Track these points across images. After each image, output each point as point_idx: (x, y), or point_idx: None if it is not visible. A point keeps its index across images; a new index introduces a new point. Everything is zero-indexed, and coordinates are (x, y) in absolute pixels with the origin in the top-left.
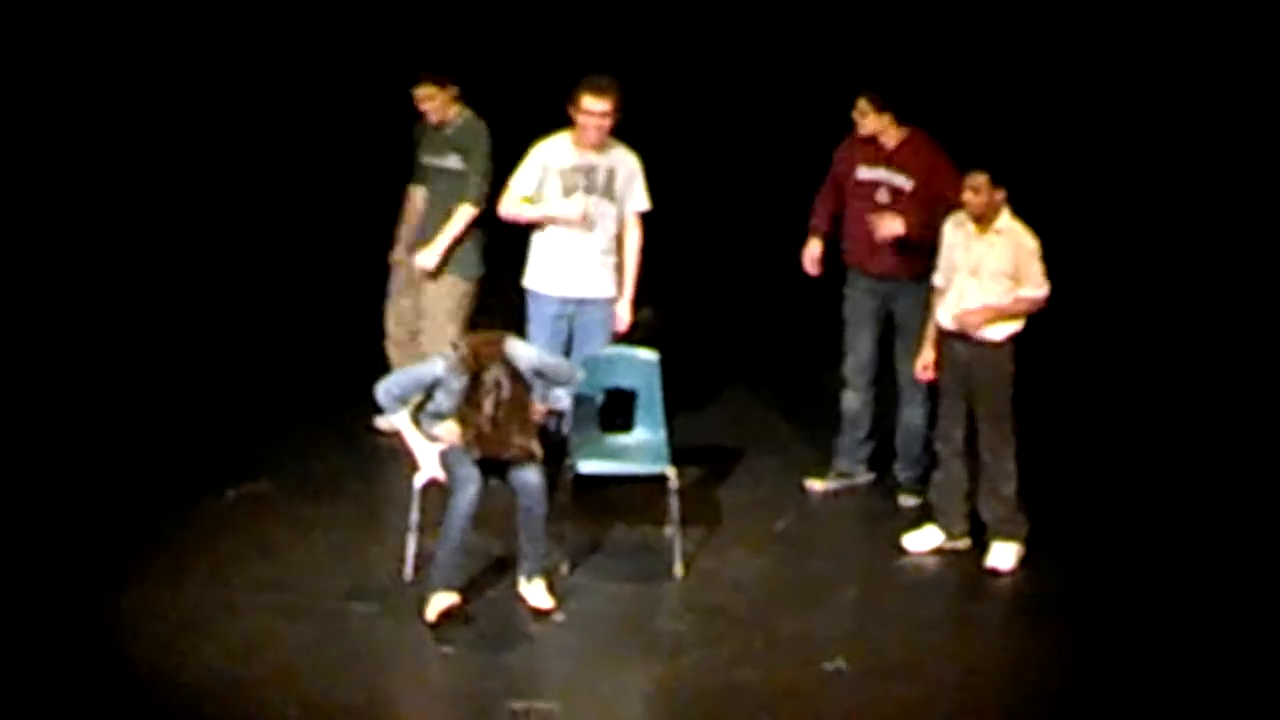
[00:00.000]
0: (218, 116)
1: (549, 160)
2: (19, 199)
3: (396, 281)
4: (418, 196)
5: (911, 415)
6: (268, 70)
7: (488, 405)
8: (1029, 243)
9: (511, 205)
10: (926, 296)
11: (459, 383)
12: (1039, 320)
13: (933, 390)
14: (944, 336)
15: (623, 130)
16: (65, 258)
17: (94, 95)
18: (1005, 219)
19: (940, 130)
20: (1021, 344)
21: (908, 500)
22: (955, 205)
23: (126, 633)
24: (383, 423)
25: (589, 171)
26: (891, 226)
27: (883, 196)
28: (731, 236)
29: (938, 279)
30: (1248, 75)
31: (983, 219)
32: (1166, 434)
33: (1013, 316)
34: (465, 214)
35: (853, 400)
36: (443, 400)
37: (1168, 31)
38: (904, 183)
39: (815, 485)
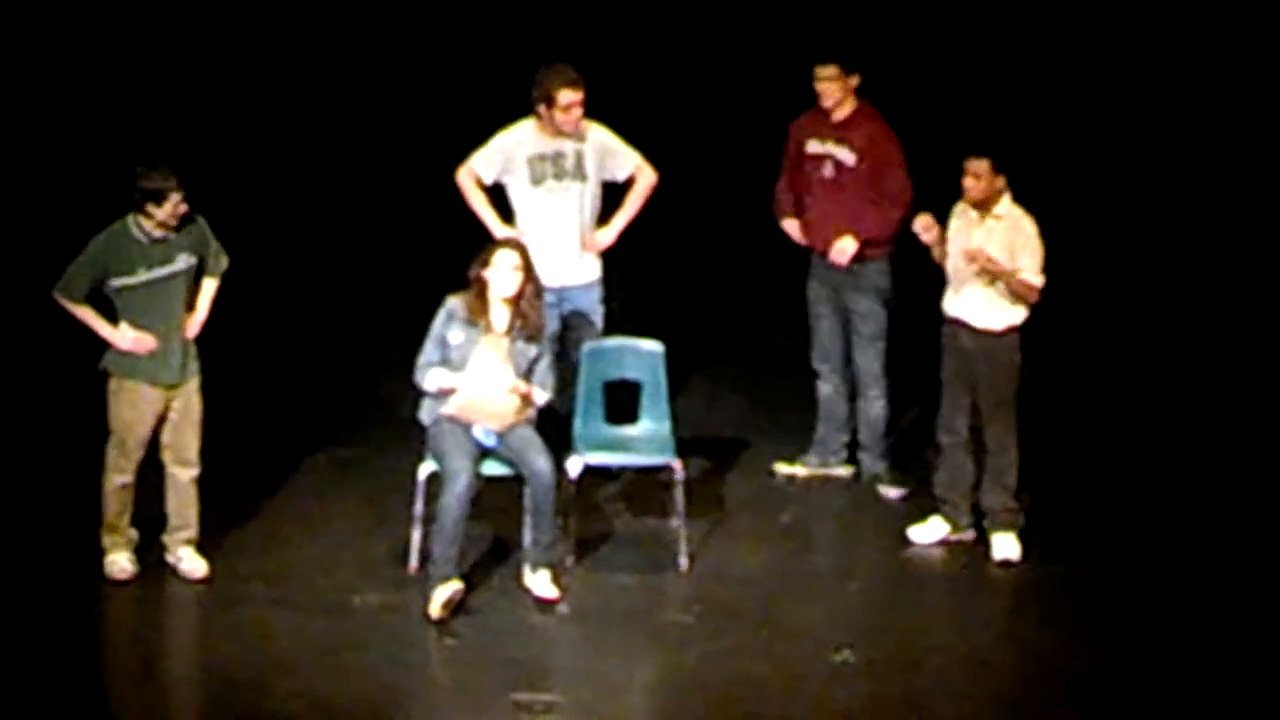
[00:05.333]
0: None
1: (515, 149)
2: (29, 201)
3: None
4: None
5: (872, 406)
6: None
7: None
8: (1027, 228)
9: (466, 180)
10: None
11: (461, 331)
12: (1042, 309)
13: (895, 381)
14: (948, 325)
15: (619, 125)
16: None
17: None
18: (1005, 205)
19: (944, 120)
20: (1024, 333)
21: (889, 491)
22: (902, 179)
23: (131, 625)
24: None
25: (556, 158)
26: (844, 248)
27: (828, 171)
28: (736, 225)
29: (948, 265)
30: (1259, 65)
31: (983, 205)
32: (1171, 423)
33: (1014, 297)
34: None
35: (823, 389)
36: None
37: (1182, 19)
38: (847, 157)
39: (783, 469)
